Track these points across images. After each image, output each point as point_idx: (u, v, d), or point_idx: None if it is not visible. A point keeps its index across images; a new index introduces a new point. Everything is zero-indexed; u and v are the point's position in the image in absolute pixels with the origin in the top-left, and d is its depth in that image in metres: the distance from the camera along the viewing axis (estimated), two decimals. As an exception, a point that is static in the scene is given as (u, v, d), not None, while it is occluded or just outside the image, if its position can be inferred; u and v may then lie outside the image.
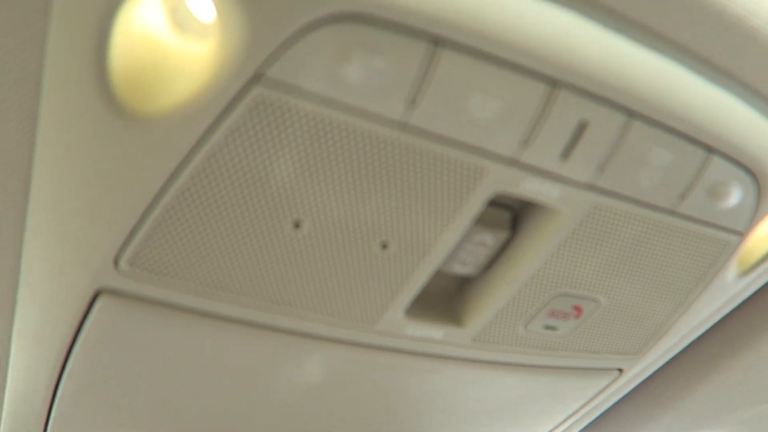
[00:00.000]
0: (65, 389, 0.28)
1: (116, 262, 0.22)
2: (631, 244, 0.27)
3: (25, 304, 0.26)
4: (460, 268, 0.27)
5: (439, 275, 0.28)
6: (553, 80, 0.20)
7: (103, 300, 0.24)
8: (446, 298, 0.29)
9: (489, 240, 0.26)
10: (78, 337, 0.25)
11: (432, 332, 0.29)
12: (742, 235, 0.28)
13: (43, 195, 0.22)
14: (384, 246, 0.24)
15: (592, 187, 0.23)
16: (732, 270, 0.31)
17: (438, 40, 0.18)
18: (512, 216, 0.27)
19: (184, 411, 0.31)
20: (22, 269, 0.25)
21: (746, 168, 0.25)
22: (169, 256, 0.22)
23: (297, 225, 0.22)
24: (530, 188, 0.23)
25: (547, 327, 0.30)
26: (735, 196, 0.26)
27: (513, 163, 0.22)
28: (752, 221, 0.27)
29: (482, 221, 0.25)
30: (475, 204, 0.23)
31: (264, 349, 0.28)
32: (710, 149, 0.24)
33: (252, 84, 0.18)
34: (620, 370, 0.36)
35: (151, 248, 0.22)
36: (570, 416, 0.40)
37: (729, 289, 0.32)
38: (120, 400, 0.29)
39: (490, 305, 0.28)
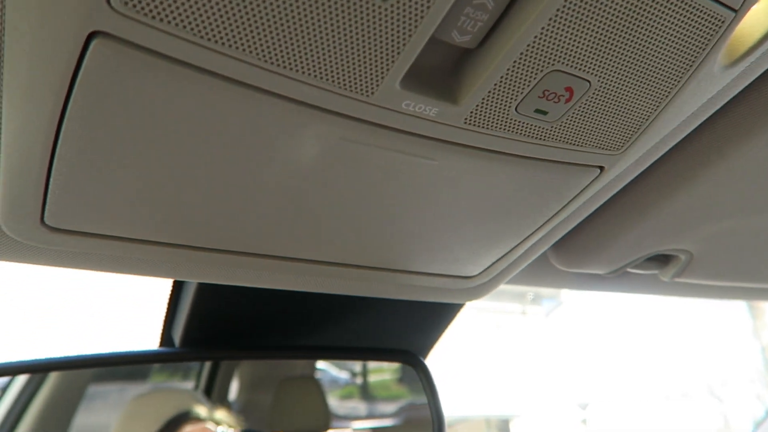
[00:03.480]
0: (62, 154, 0.28)
1: (108, 0, 0.22)
2: (629, 12, 0.27)
3: (13, 56, 0.25)
4: (458, 37, 0.27)
5: (437, 48, 0.28)
6: None
7: (97, 44, 0.23)
8: (443, 74, 0.29)
9: (489, 3, 0.26)
10: (72, 90, 0.25)
11: (427, 107, 0.29)
12: (736, 11, 0.28)
13: None
14: None
15: None
16: (721, 57, 0.31)
17: None
18: None
19: (181, 176, 0.32)
20: (6, 17, 0.24)
21: None
22: None
23: None
24: None
25: (538, 111, 0.31)
26: None
27: None
28: None
29: None
30: None
31: (261, 114, 0.28)
32: None
33: None
34: (601, 169, 0.37)
35: None
36: (552, 217, 0.42)
37: (715, 80, 0.33)
38: (119, 166, 0.30)
39: (485, 80, 0.28)
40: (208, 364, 0.73)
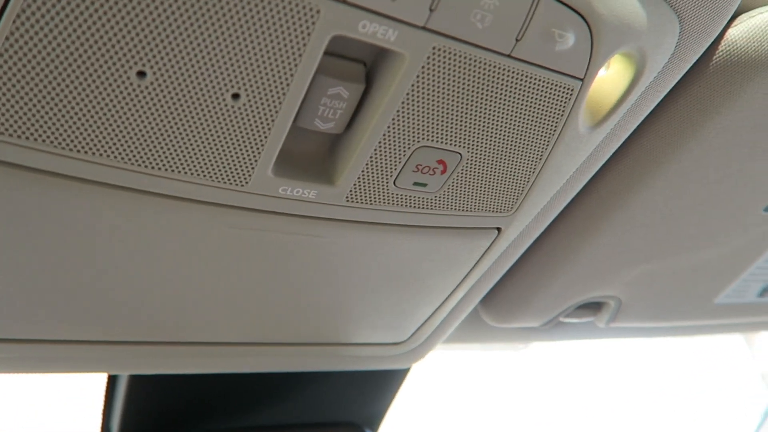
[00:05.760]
0: None
1: None
2: (478, 91, 0.28)
3: None
4: (322, 125, 0.28)
5: (307, 136, 0.30)
6: None
7: None
8: (318, 159, 0.31)
9: (344, 93, 0.27)
10: None
11: (304, 191, 0.30)
12: (581, 80, 0.30)
13: None
14: (235, 96, 0.25)
15: (426, 28, 0.25)
16: (582, 119, 0.33)
17: None
18: (366, 70, 0.28)
19: (77, 279, 0.32)
20: None
21: (576, 11, 0.27)
22: (15, 111, 0.23)
23: (141, 74, 0.23)
24: (367, 30, 0.24)
25: (417, 183, 0.32)
26: (569, 40, 0.28)
27: (343, 1, 0.23)
28: (589, 66, 0.29)
29: (334, 74, 0.27)
30: (317, 47, 0.24)
31: (142, 213, 0.29)
32: None
33: None
34: (499, 230, 0.39)
35: None
36: (462, 282, 0.43)
37: (585, 140, 0.35)
38: (15, 274, 0.30)
39: (355, 160, 0.30)
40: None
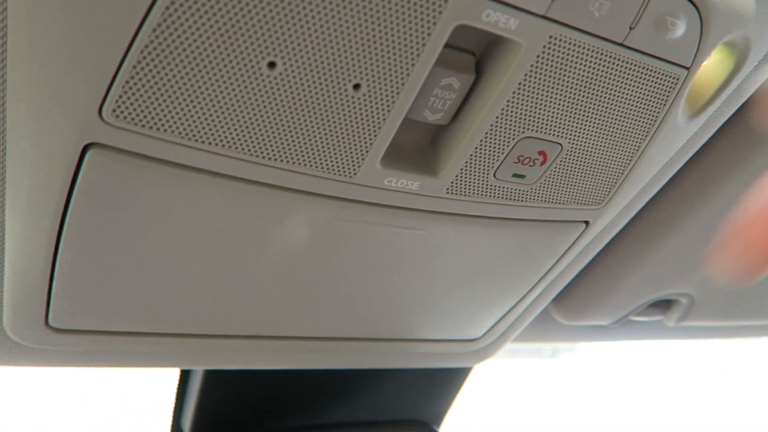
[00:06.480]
0: (63, 258, 0.30)
1: (100, 113, 0.23)
2: (587, 80, 0.28)
3: (14, 171, 0.27)
4: (430, 116, 0.29)
5: (413, 127, 0.30)
6: None
7: (92, 155, 0.25)
8: (421, 150, 0.31)
9: (455, 83, 0.27)
10: (70, 200, 0.27)
11: (409, 182, 0.31)
12: (688, 68, 0.30)
13: (20, 50, 0.23)
14: (356, 87, 0.25)
15: (546, 17, 0.25)
16: (682, 109, 0.33)
17: None
18: (476, 61, 0.28)
19: (181, 270, 0.33)
20: (7, 133, 0.26)
21: (690, 0, 0.27)
22: (150, 104, 0.24)
23: (272, 65, 0.24)
24: (490, 19, 0.24)
25: (516, 175, 0.32)
26: (680, 28, 0.28)
27: None
28: (697, 54, 0.29)
29: (448, 65, 0.27)
30: (440, 36, 0.24)
31: (254, 204, 0.29)
32: None
33: None
34: (587, 223, 0.39)
35: (133, 96, 0.23)
36: (546, 274, 0.43)
37: (681, 131, 0.34)
38: (119, 265, 0.31)
39: (460, 152, 0.30)
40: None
